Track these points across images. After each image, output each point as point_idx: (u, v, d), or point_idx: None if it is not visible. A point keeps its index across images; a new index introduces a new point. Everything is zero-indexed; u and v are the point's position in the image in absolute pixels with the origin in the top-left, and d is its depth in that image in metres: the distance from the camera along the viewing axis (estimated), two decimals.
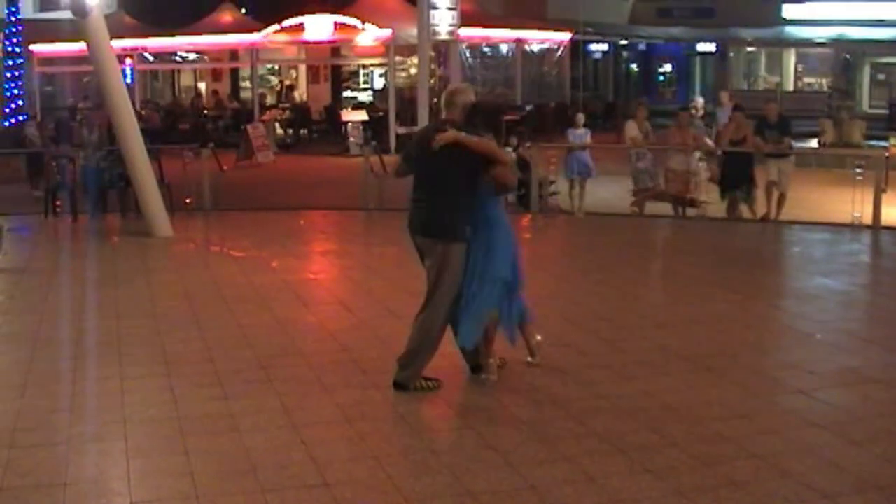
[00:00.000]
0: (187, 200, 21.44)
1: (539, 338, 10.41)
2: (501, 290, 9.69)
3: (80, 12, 17.61)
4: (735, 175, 20.70)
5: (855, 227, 19.66)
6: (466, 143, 9.38)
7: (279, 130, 39.92)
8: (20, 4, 39.50)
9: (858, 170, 20.21)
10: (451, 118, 9.68)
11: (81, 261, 16.75)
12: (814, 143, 36.65)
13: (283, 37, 39.29)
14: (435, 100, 36.78)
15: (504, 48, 43.96)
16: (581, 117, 23.23)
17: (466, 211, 9.53)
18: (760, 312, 13.07)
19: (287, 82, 47.53)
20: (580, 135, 22.50)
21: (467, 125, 9.58)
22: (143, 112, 37.37)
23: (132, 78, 42.96)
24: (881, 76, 60.84)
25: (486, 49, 42.79)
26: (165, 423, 8.74)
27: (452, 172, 9.49)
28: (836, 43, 57.74)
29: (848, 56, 58.21)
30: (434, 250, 9.56)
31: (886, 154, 23.77)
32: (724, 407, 9.10)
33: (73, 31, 20.94)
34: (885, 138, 34.78)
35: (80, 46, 24.67)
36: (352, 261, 16.82)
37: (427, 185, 9.66)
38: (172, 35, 42.27)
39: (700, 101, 22.95)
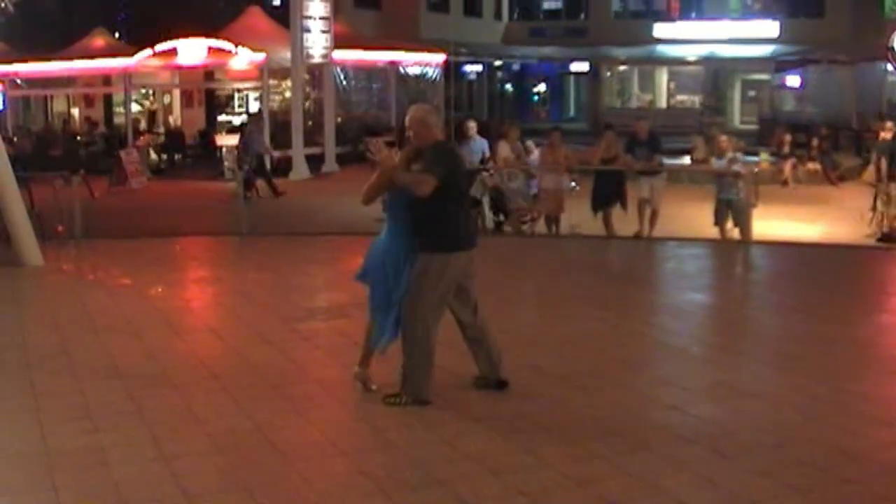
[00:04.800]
0: (59, 228, 21.09)
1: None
2: None
3: None
4: (606, 192, 20.90)
5: (726, 243, 19.92)
6: None
7: (153, 156, 39.56)
8: None
9: None
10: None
11: None
12: (687, 159, 37.07)
13: (156, 61, 38.98)
14: (310, 122, 36.79)
15: (378, 70, 43.98)
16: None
17: None
18: (633, 329, 13.14)
19: (153, 107, 47.15)
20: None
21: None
22: (14, 139, 36.81)
23: (4, 104, 42.35)
24: (752, 93, 61.85)
25: (360, 71, 42.78)
26: (33, 459, 8.53)
27: None
28: (707, 61, 58.56)
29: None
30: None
31: (756, 169, 24.12)
32: (598, 425, 9.12)
33: None
34: (756, 154, 35.28)
35: None
36: (224, 287, 16.65)
37: (465, 200, 10.27)
38: (44, 60, 41.73)
39: (472, 124, 22.91)
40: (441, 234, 9.68)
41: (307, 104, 38.73)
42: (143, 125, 43.33)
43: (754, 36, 57.83)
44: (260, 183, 29.78)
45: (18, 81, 43.48)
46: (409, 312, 9.69)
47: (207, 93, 45.71)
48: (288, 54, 35.80)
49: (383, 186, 9.82)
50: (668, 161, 23.49)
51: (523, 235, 21.63)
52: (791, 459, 8.29)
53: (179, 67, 40.09)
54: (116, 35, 47.58)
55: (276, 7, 41.77)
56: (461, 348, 10.57)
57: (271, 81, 39.00)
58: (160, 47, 37.87)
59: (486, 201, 22.06)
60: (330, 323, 13.40)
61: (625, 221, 21.14)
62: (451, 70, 46.53)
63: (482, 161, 21.90)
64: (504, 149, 21.60)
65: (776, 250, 19.84)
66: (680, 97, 64.26)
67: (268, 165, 31.95)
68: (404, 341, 9.82)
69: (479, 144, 22.21)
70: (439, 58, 46.61)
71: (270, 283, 16.65)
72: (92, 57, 41.15)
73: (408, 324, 9.74)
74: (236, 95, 46.66)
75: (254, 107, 44.59)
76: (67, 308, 14.69)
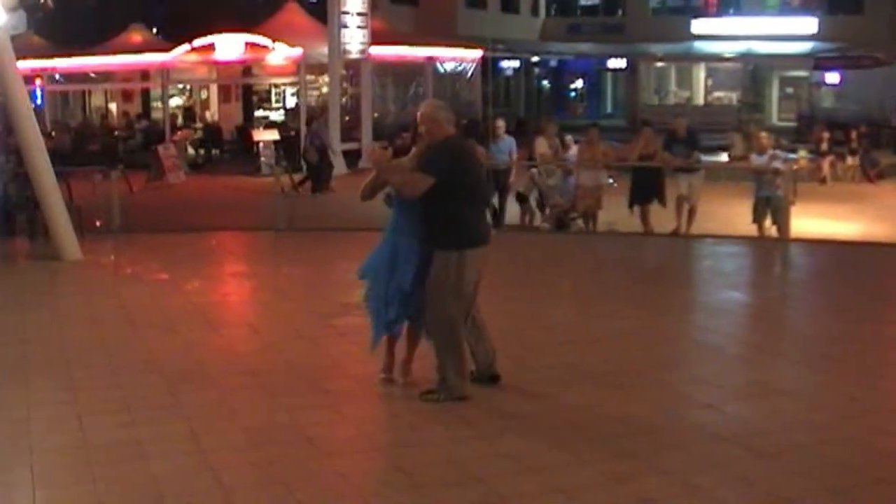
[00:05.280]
0: (97, 223, 21.18)
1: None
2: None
3: None
4: (644, 189, 20.87)
5: (764, 240, 19.85)
6: None
7: (190, 151, 39.67)
8: None
9: None
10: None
11: None
12: (724, 156, 37.01)
13: (193, 56, 39.09)
14: (347, 118, 36.85)
15: (415, 66, 43.90)
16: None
17: None
18: (669, 327, 13.12)
19: (188, 103, 47.34)
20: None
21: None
22: (52, 133, 36.98)
23: (42, 99, 42.52)
24: (789, 90, 61.62)
25: (396, 67, 42.71)
26: (72, 452, 8.57)
27: None
28: (745, 57, 58.36)
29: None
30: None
31: (795, 167, 24.03)
32: (633, 423, 9.10)
33: None
34: (794, 151, 35.14)
35: None
36: (260, 282, 16.67)
37: (481, 196, 10.26)
38: (82, 55, 41.94)
39: (501, 123, 22.80)
40: (452, 232, 9.65)
41: (344, 100, 38.77)
42: (179, 121, 43.47)
43: (793, 32, 57.58)
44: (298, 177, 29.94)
45: (57, 77, 43.69)
46: (433, 313, 9.71)
47: (245, 88, 45.84)
48: (325, 50, 35.86)
49: (378, 186, 9.99)
50: (705, 158, 23.41)
51: (565, 232, 21.56)
52: (827, 459, 8.26)
53: (217, 63, 40.20)
54: (154, 30, 47.71)
55: (313, 3, 41.79)
56: (496, 345, 10.57)
57: (308, 77, 39.08)
58: (198, 42, 37.97)
59: (533, 198, 22.07)
60: (366, 319, 13.37)
61: (662, 218, 21.08)
62: (489, 66, 46.45)
63: (531, 159, 21.94)
64: (542, 145, 21.58)
65: (814, 248, 19.74)
66: (717, 94, 64.09)
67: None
68: (434, 342, 9.87)
69: (507, 144, 22.11)
70: (476, 54, 46.55)
71: (306, 278, 16.70)
72: (130, 52, 41.31)
73: (434, 324, 9.78)
74: (273, 91, 46.80)
75: (291, 102, 44.75)
76: (105, 302, 14.76)
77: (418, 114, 10.00)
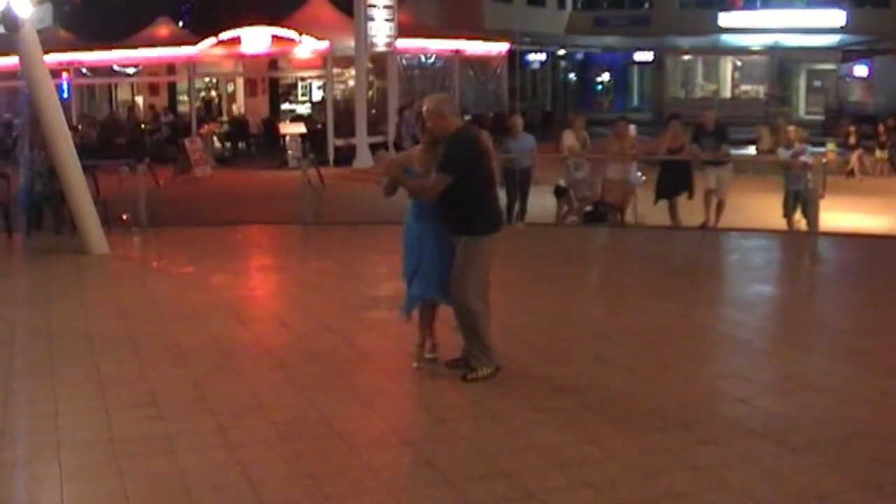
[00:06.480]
0: (124, 217, 21.18)
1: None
2: None
3: (12, 27, 17.34)
4: (673, 182, 20.76)
5: (793, 234, 19.74)
6: None
7: (217, 144, 39.71)
8: None
9: None
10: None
11: (15, 279, 16.53)
12: (751, 149, 36.85)
13: (219, 50, 39.11)
14: (373, 111, 36.83)
15: (442, 59, 43.83)
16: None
17: None
18: (699, 321, 13.04)
19: (208, 96, 47.42)
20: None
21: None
22: (79, 127, 37.05)
23: (69, 93, 42.62)
24: (817, 83, 61.39)
25: (423, 59, 42.64)
26: (99, 446, 8.56)
27: None
28: (772, 50, 58.16)
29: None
30: None
31: (823, 160, 23.88)
32: (664, 418, 9.03)
33: (5, 45, 20.50)
34: (822, 144, 34.93)
35: (12, 61, 24.48)
36: (289, 276, 16.67)
37: (493, 181, 10.50)
38: (109, 49, 41.99)
39: (519, 120, 22.50)
40: (480, 219, 10.05)
41: (370, 93, 38.76)
42: (202, 114, 43.55)
43: (820, 25, 57.39)
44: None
45: (83, 70, 43.77)
46: (461, 297, 10.02)
47: (271, 81, 45.89)
48: (352, 43, 35.84)
49: (395, 187, 10.34)
50: (733, 151, 23.29)
51: (594, 225, 21.40)
52: (861, 454, 8.18)
53: (243, 56, 40.23)
54: (180, 24, 47.78)
55: None
56: (526, 339, 10.54)
57: (335, 70, 39.06)
58: (224, 36, 37.99)
59: (571, 191, 21.91)
60: (395, 312, 13.27)
61: (691, 212, 20.99)
62: (516, 59, 46.33)
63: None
64: (570, 138, 21.46)
65: (843, 242, 19.61)
66: (744, 87, 63.95)
67: None
68: (461, 323, 10.16)
69: (528, 141, 21.65)
70: (503, 47, 46.48)
71: (334, 271, 16.66)
72: (156, 45, 41.36)
73: (462, 308, 10.07)
74: (300, 84, 46.83)
75: (317, 95, 44.78)
76: (132, 295, 14.77)
77: (423, 109, 10.20)
